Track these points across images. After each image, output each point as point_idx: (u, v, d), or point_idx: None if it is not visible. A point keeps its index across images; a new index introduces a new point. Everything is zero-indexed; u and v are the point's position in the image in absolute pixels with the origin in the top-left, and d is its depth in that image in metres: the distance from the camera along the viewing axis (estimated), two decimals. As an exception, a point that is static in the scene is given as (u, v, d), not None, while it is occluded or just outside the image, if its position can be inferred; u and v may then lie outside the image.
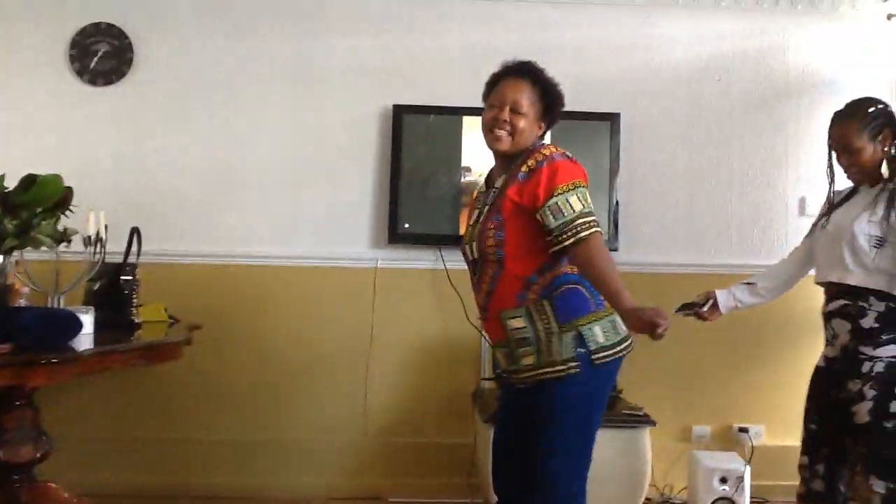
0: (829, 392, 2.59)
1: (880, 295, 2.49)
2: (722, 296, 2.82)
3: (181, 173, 3.81)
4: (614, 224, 3.78)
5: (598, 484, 3.14)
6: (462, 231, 3.60)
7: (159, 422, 3.76)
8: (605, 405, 2.38)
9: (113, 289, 3.12)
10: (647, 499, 3.39)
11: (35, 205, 2.81)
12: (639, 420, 3.30)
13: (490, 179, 2.46)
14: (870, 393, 2.45)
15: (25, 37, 3.78)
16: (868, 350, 2.47)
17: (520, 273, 2.26)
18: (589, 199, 2.26)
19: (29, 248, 2.92)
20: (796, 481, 3.75)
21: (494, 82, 2.44)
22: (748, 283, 2.86)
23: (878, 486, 2.46)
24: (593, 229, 2.21)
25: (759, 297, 2.86)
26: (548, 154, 2.28)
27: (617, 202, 3.80)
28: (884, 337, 2.47)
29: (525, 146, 2.35)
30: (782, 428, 3.85)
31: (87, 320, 2.79)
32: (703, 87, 3.94)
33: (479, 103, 3.65)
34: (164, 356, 2.87)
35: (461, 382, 3.75)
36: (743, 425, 3.83)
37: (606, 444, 3.17)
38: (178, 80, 3.82)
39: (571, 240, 2.19)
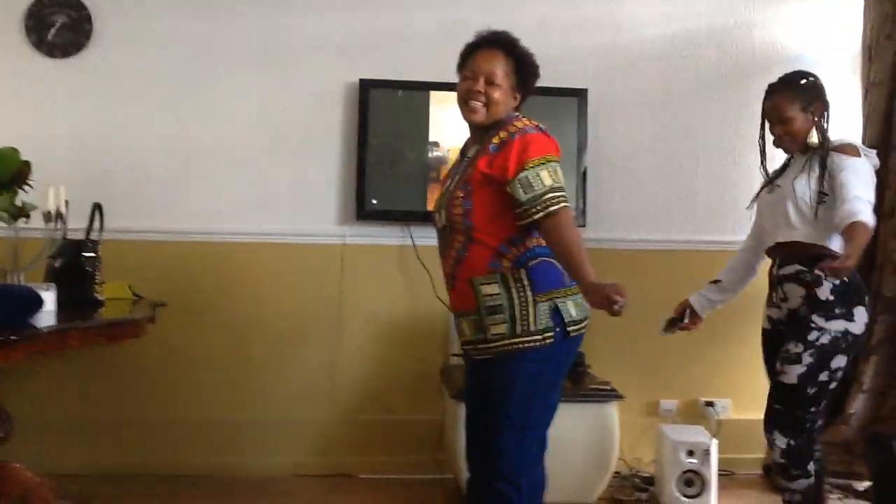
0: (770, 351, 2.81)
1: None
2: (696, 301, 3.00)
3: (144, 149, 3.73)
4: (582, 200, 3.78)
5: (566, 458, 3.19)
6: (430, 206, 3.61)
7: (124, 402, 3.70)
8: (562, 381, 2.40)
9: (74, 266, 3.06)
10: (615, 472, 3.42)
11: (-9, 179, 2.74)
12: (606, 394, 3.32)
13: (464, 149, 2.45)
14: (807, 360, 2.62)
15: (-21, 7, 3.67)
16: (820, 321, 2.61)
17: (489, 243, 2.26)
18: (560, 174, 2.26)
19: (-14, 224, 2.86)
20: (762, 454, 3.84)
21: (468, 53, 2.42)
22: (715, 282, 3.03)
23: (780, 441, 2.67)
24: (562, 204, 2.21)
25: (729, 291, 3.03)
26: (521, 126, 2.27)
27: (585, 178, 3.80)
28: (837, 311, 2.61)
29: (499, 117, 2.33)
30: (748, 402, 3.89)
31: (49, 297, 2.72)
32: (670, 64, 3.94)
33: (446, 78, 3.64)
34: (126, 334, 2.82)
35: (429, 359, 3.74)
36: (709, 399, 3.88)
37: (574, 418, 3.22)
38: (139, 53, 3.73)
39: (541, 213, 2.19)
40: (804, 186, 2.67)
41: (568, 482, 3.21)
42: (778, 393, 2.70)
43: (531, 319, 2.23)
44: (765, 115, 2.83)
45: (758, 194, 2.94)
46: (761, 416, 3.84)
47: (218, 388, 3.75)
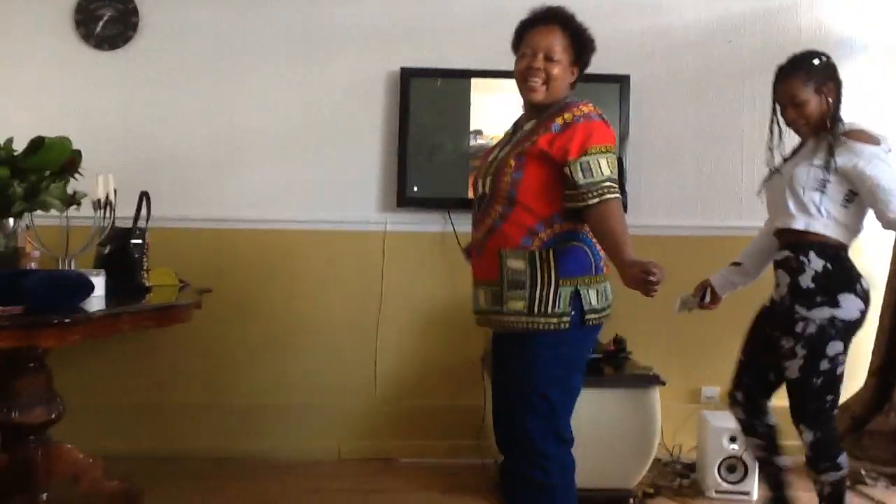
0: (766, 330, 2.75)
1: (820, 249, 2.57)
2: (716, 281, 2.93)
3: (189, 138, 3.80)
4: (624, 187, 3.76)
5: (607, 444, 3.18)
6: (471, 193, 3.62)
7: (170, 386, 3.79)
8: (584, 368, 2.39)
9: (123, 253, 3.13)
10: (656, 459, 3.40)
11: (43, 168, 2.81)
12: (648, 380, 3.31)
13: (518, 124, 2.43)
14: (801, 352, 2.57)
15: (30, 2, 3.76)
16: (802, 310, 2.56)
17: (526, 219, 2.26)
18: (615, 166, 2.26)
19: (39, 213, 2.93)
20: (805, 441, 3.79)
21: (523, 30, 2.39)
22: (735, 264, 2.96)
23: (808, 435, 2.64)
24: (616, 195, 2.22)
25: (749, 275, 2.95)
26: (586, 112, 2.26)
27: (627, 164, 3.78)
28: (818, 299, 2.55)
29: (559, 95, 2.33)
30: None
31: (99, 283, 2.80)
32: (713, 49, 3.89)
33: (487, 65, 3.69)
34: (174, 319, 2.87)
35: (470, 344, 3.75)
36: (752, 387, 3.84)
37: (616, 404, 3.21)
38: (183, 44, 3.79)
39: (596, 199, 2.20)
40: (804, 173, 2.60)
41: (609, 468, 3.21)
42: (788, 388, 2.67)
43: (550, 301, 2.23)
44: (776, 98, 2.73)
45: (766, 179, 2.85)
46: (805, 403, 3.84)
47: (262, 373, 3.81)
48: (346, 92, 3.82)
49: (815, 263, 2.56)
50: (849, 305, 2.56)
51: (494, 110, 3.71)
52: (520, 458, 2.32)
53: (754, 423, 2.87)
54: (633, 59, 3.84)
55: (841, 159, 2.55)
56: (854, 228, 2.64)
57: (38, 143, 2.82)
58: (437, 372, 3.83)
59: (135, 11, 3.77)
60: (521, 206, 2.26)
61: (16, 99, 3.73)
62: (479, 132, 3.75)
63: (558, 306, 2.24)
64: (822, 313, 2.55)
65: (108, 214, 3.04)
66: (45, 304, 2.44)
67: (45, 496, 2.75)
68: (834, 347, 2.56)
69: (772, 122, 2.76)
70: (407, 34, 3.82)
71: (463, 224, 3.63)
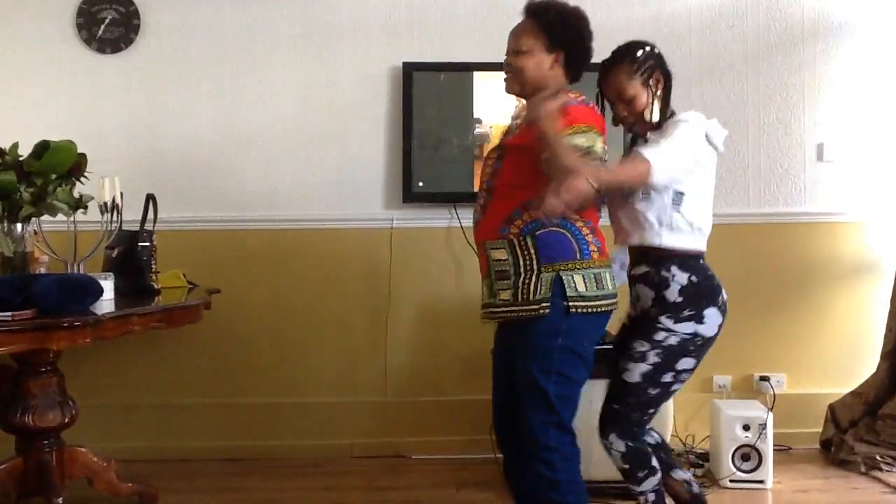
0: (626, 341, 2.53)
1: (681, 262, 2.43)
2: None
3: (193, 139, 3.80)
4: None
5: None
6: (476, 187, 3.61)
7: (181, 387, 3.79)
8: (587, 361, 2.35)
9: (131, 255, 3.13)
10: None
11: (49, 172, 2.82)
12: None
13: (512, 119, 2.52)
14: (652, 359, 2.43)
15: (33, 6, 3.76)
16: (668, 322, 2.42)
17: (503, 207, 2.29)
18: (599, 145, 2.25)
19: (46, 218, 2.94)
20: (818, 428, 3.79)
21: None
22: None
23: (619, 445, 2.49)
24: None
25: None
26: (564, 100, 2.26)
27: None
28: (685, 313, 2.42)
29: (540, 83, 2.33)
30: (804, 376, 3.86)
31: (108, 286, 2.81)
32: (716, 34, 3.87)
33: (489, 58, 3.68)
34: (184, 319, 2.89)
35: (480, 338, 3.72)
36: (764, 374, 3.83)
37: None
38: (186, 44, 3.79)
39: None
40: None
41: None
42: (618, 391, 2.49)
43: (531, 288, 2.25)
44: (603, 96, 2.51)
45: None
46: (817, 390, 3.84)
47: (273, 372, 3.82)
48: (350, 88, 3.81)
49: (680, 277, 2.41)
50: (711, 321, 2.44)
51: (497, 101, 3.69)
52: (523, 451, 2.32)
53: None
54: (635, 47, 3.81)
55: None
56: (702, 227, 2.47)
57: (43, 148, 2.83)
58: (448, 367, 3.83)
59: (136, 13, 3.77)
60: (498, 194, 2.30)
61: (20, 104, 3.73)
62: (478, 121, 3.74)
63: (539, 292, 2.25)
64: (686, 328, 2.41)
65: (114, 217, 3.05)
66: (55, 307, 2.46)
67: (60, 500, 2.75)
68: (684, 363, 2.45)
69: (613, 120, 2.54)
70: (409, 29, 3.81)
71: (468, 218, 3.59)
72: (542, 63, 2.34)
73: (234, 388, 3.81)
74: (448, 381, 3.83)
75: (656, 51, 2.50)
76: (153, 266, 3.20)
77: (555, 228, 2.27)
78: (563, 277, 2.25)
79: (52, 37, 3.76)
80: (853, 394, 3.76)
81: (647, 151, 2.31)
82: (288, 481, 3.51)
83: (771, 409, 3.42)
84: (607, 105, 2.52)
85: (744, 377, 3.86)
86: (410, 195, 3.75)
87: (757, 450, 3.34)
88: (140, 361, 3.78)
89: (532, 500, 2.35)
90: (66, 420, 2.85)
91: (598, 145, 2.26)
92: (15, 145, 2.87)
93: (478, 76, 3.72)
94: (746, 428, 3.34)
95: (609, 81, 2.47)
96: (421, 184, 3.75)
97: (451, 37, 3.80)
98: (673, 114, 2.49)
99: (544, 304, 2.24)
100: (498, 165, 2.33)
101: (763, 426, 3.32)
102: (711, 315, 2.43)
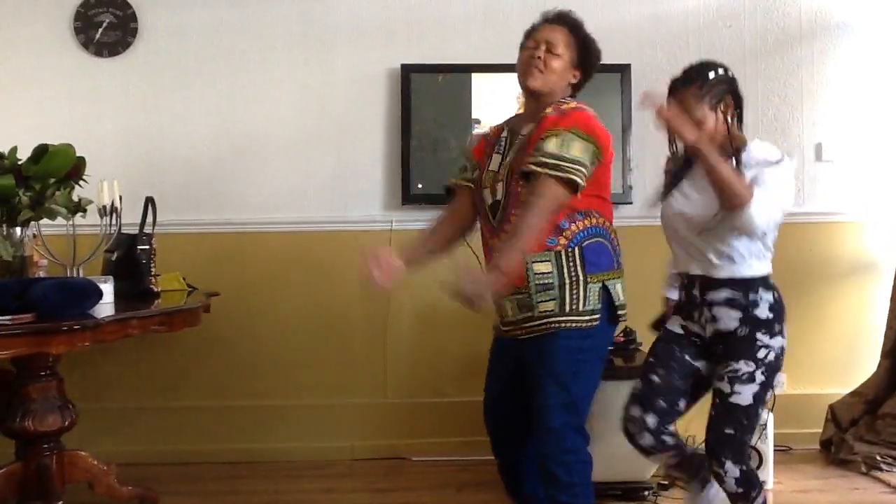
0: (681, 354, 2.50)
1: (766, 285, 2.42)
2: (672, 294, 2.70)
3: (191, 142, 3.80)
4: (627, 177, 3.75)
5: (620, 436, 3.16)
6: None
7: (181, 390, 3.79)
8: (603, 364, 2.40)
9: (130, 259, 3.15)
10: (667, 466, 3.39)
11: (48, 175, 2.82)
12: (659, 371, 3.28)
13: (515, 127, 2.42)
14: (760, 378, 2.39)
15: (30, 10, 3.76)
16: (765, 338, 2.40)
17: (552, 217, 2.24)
18: (588, 156, 2.22)
19: (45, 221, 2.94)
20: (818, 429, 3.79)
21: (532, 31, 2.42)
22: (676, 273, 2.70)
23: (733, 471, 2.39)
24: (568, 177, 2.18)
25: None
26: (574, 105, 2.31)
27: (629, 155, 3.77)
28: (776, 328, 2.42)
29: (556, 91, 2.34)
30: (804, 377, 3.86)
31: (107, 290, 2.81)
32: (713, 35, 3.87)
33: (487, 60, 3.69)
34: (183, 322, 2.88)
35: (479, 340, 3.71)
36: (763, 374, 3.82)
37: (627, 396, 3.19)
38: (183, 48, 3.79)
39: (552, 171, 2.17)
40: (710, 215, 2.33)
41: (623, 460, 3.18)
42: (728, 416, 2.40)
43: (581, 299, 2.25)
44: None
45: (661, 199, 2.56)
46: (817, 391, 3.83)
47: (272, 374, 3.81)
48: (348, 91, 3.81)
49: (767, 296, 2.41)
50: (786, 335, 2.46)
51: (496, 102, 3.70)
52: (542, 453, 2.31)
53: (663, 440, 2.54)
54: (633, 47, 3.82)
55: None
56: (770, 250, 2.47)
57: (42, 151, 2.83)
58: (448, 369, 3.82)
59: (133, 17, 3.78)
60: None
61: (18, 108, 3.73)
62: (476, 121, 3.74)
63: (588, 303, 2.25)
64: (778, 342, 2.42)
65: (113, 221, 3.05)
66: (54, 311, 2.45)
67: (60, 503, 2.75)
68: (779, 378, 2.50)
69: (670, 141, 2.50)
70: (407, 30, 3.81)
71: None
72: (566, 73, 2.36)
73: (233, 391, 3.80)
74: (448, 383, 3.83)
75: (729, 74, 2.43)
76: (152, 269, 3.20)
77: (598, 239, 2.29)
78: (609, 287, 2.28)
79: (50, 41, 3.77)
80: (853, 393, 3.76)
81: (757, 190, 2.24)
82: (288, 484, 3.51)
83: (771, 410, 3.41)
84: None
85: (744, 377, 3.86)
86: (409, 197, 3.75)
87: (757, 450, 3.33)
88: (139, 365, 3.77)
89: (548, 502, 2.33)
90: (66, 424, 2.85)
91: (589, 156, 2.22)
92: (13, 149, 2.87)
93: (476, 77, 3.72)
94: (747, 428, 3.34)
95: (677, 102, 2.38)
96: (420, 185, 3.75)
97: (449, 38, 3.80)
98: (745, 144, 2.40)
99: (595, 316, 2.26)
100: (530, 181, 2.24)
101: (763, 427, 3.32)
102: (785, 330, 2.46)
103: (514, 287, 2.30)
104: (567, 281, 2.25)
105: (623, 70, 3.76)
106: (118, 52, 3.78)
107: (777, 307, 2.44)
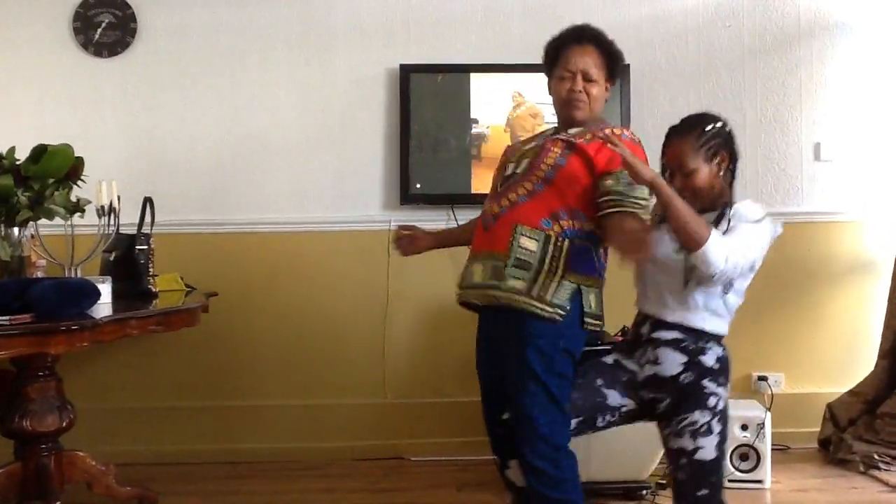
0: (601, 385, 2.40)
1: (717, 340, 2.35)
2: None
3: (190, 142, 3.80)
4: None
5: (617, 437, 3.15)
6: (474, 187, 3.63)
7: (179, 390, 3.79)
8: (575, 368, 2.35)
9: (128, 259, 3.15)
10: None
11: (46, 176, 2.82)
12: (657, 371, 3.28)
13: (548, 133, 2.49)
14: (717, 427, 2.30)
15: (29, 11, 3.76)
16: (712, 385, 2.30)
17: (554, 201, 2.29)
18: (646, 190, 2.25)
19: (43, 221, 2.94)
20: (816, 428, 3.79)
21: (557, 49, 2.44)
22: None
23: None
24: (640, 210, 2.28)
25: None
26: (628, 135, 2.38)
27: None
28: (721, 379, 2.32)
29: (596, 112, 2.41)
30: (802, 376, 3.86)
31: (105, 290, 2.81)
32: (712, 34, 3.88)
33: (486, 60, 3.69)
34: (181, 322, 2.89)
35: (478, 340, 3.74)
36: (762, 373, 3.83)
37: (626, 395, 3.20)
38: (182, 48, 3.80)
39: (630, 209, 2.26)
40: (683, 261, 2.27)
41: (621, 460, 3.20)
42: (696, 475, 2.31)
43: (550, 290, 2.26)
44: (664, 162, 2.38)
45: None
46: (815, 390, 3.84)
47: (271, 374, 3.81)
48: (347, 91, 3.81)
49: (716, 349, 2.33)
50: (727, 393, 2.37)
51: (495, 104, 3.70)
52: (529, 451, 2.31)
53: None
54: (632, 47, 3.77)
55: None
56: (733, 311, 2.39)
57: (40, 152, 2.83)
58: (447, 368, 3.82)
59: (133, 17, 3.78)
60: (555, 187, 2.29)
61: (17, 108, 3.74)
62: (475, 121, 3.74)
63: (556, 297, 2.27)
64: (725, 391, 2.32)
65: (111, 221, 3.05)
66: (52, 311, 2.45)
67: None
68: (727, 427, 2.37)
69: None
70: (405, 30, 3.81)
71: (466, 218, 3.61)
72: (604, 94, 2.43)
73: (232, 391, 3.80)
74: (447, 383, 3.83)
75: (727, 129, 2.39)
76: (150, 269, 3.20)
77: (589, 243, 2.31)
78: (582, 291, 2.30)
79: (49, 41, 3.77)
80: (852, 393, 3.76)
81: (716, 233, 2.18)
82: (288, 484, 3.51)
83: (769, 409, 3.42)
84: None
85: (742, 377, 3.85)
86: (408, 197, 3.75)
87: (755, 449, 3.34)
88: (138, 365, 3.77)
89: (539, 499, 2.32)
90: (65, 424, 2.85)
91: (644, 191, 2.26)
92: (12, 149, 2.87)
93: (475, 77, 3.72)
94: (745, 428, 3.34)
95: (672, 150, 2.36)
96: (419, 185, 3.75)
97: (447, 38, 3.80)
98: (732, 204, 2.33)
99: (559, 311, 2.26)
100: (561, 161, 2.30)
101: (761, 426, 3.33)
102: (728, 389, 2.36)
103: (492, 249, 2.32)
104: (546, 268, 2.26)
105: (623, 70, 3.75)
106: (117, 52, 3.78)
107: (724, 363, 2.34)
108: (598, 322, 2.36)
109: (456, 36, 3.79)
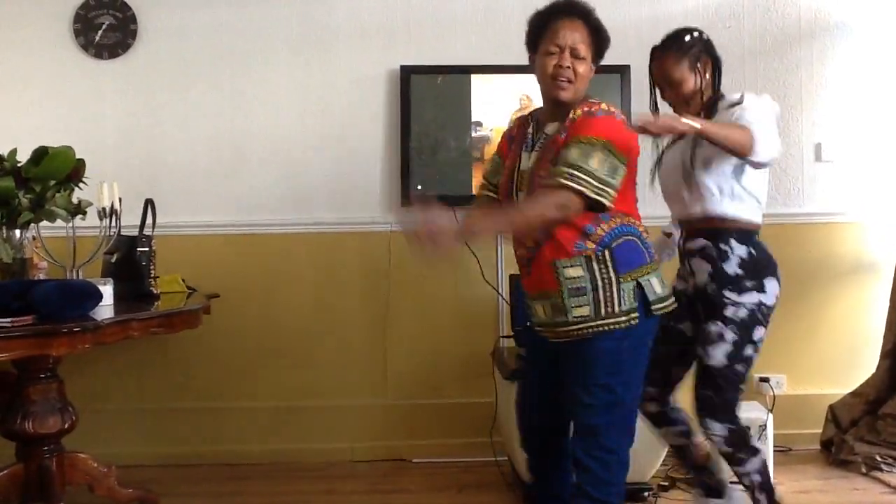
0: (669, 322, 2.51)
1: (739, 236, 2.48)
2: (670, 229, 2.85)
3: (192, 143, 3.80)
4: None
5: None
6: (475, 189, 3.61)
7: (181, 392, 3.79)
8: (647, 361, 2.33)
9: (130, 261, 3.15)
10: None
11: (48, 177, 2.82)
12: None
13: (539, 123, 2.38)
14: (730, 337, 2.45)
15: (29, 12, 3.76)
16: (732, 295, 2.45)
17: (576, 222, 2.21)
18: (606, 168, 2.17)
19: (45, 223, 2.94)
20: (818, 429, 3.79)
21: (545, 22, 2.32)
22: (667, 234, 2.88)
23: (719, 429, 2.48)
24: (578, 187, 2.15)
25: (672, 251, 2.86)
26: (605, 108, 2.25)
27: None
28: (747, 284, 2.46)
29: (583, 92, 2.30)
30: (804, 377, 3.86)
31: (107, 291, 2.81)
32: (712, 35, 3.77)
33: (487, 61, 3.69)
34: (183, 324, 2.88)
35: (480, 341, 3.74)
36: (764, 375, 3.82)
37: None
38: (183, 49, 3.79)
39: (565, 181, 2.16)
40: (690, 155, 2.50)
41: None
42: (705, 378, 2.50)
43: (616, 300, 2.21)
44: (653, 81, 2.65)
45: (655, 166, 2.74)
46: (817, 391, 3.83)
47: (272, 376, 3.81)
48: (347, 92, 3.81)
49: (739, 250, 2.47)
50: (772, 291, 2.51)
51: (496, 105, 3.70)
52: (590, 452, 2.26)
53: (667, 412, 2.72)
54: (632, 48, 3.76)
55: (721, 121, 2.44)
56: (759, 199, 2.55)
57: (41, 153, 2.83)
58: (448, 370, 3.83)
59: (133, 19, 3.78)
60: None
61: (18, 109, 3.73)
62: (478, 124, 3.74)
63: (623, 303, 2.22)
64: (751, 298, 2.47)
65: (113, 223, 3.05)
66: (54, 313, 2.45)
67: (60, 506, 2.76)
68: (759, 333, 2.50)
69: (651, 105, 2.69)
70: (406, 31, 3.81)
71: (468, 220, 3.61)
72: (590, 73, 2.32)
73: (233, 393, 3.80)
74: (448, 384, 3.83)
75: (704, 36, 2.59)
76: (152, 271, 3.20)
77: (626, 237, 2.25)
78: (643, 283, 2.24)
79: (50, 42, 3.76)
80: (853, 394, 3.76)
81: (752, 125, 2.35)
82: (288, 485, 3.51)
83: (771, 410, 3.42)
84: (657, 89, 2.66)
85: (744, 378, 3.86)
86: (409, 199, 3.75)
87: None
88: (140, 367, 3.77)
89: (580, 496, 2.28)
90: (67, 426, 2.85)
91: (606, 167, 2.17)
92: (13, 151, 2.87)
93: (476, 79, 3.72)
94: (747, 429, 3.33)
95: (658, 66, 2.59)
96: (419, 186, 3.75)
97: (448, 39, 3.80)
98: (722, 97, 2.56)
99: (633, 315, 2.22)
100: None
101: (763, 427, 3.32)
102: (772, 285, 2.50)
103: (543, 290, 2.29)
104: (600, 283, 2.21)
105: (623, 71, 3.75)
106: (118, 53, 3.78)
107: (749, 264, 2.46)
108: (663, 304, 2.29)
109: (456, 37, 3.79)
